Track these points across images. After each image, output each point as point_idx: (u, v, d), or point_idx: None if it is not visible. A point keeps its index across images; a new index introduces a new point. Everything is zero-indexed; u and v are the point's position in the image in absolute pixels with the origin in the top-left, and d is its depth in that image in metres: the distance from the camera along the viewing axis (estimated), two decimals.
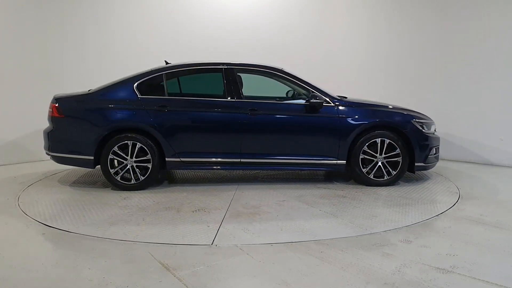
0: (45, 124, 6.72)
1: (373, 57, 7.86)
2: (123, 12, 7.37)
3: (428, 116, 5.58)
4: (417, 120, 5.21)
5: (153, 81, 5.20)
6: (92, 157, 4.99)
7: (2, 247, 3.47)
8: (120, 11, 7.35)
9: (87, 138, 4.99)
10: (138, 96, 5.07)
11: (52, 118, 5.17)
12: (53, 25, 6.75)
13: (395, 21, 7.57)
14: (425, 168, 5.32)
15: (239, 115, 5.04)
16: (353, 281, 2.85)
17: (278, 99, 5.46)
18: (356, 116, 5.13)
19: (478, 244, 3.50)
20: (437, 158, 5.47)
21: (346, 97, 5.52)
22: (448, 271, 3.00)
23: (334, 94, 5.49)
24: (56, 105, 5.14)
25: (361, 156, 5.13)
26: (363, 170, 5.17)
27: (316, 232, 3.73)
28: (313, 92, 5.14)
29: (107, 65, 7.24)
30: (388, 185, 5.20)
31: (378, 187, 5.17)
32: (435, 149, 5.36)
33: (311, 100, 5.04)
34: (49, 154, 5.25)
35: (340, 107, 5.15)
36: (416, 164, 5.17)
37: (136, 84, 5.12)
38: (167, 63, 5.50)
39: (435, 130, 5.49)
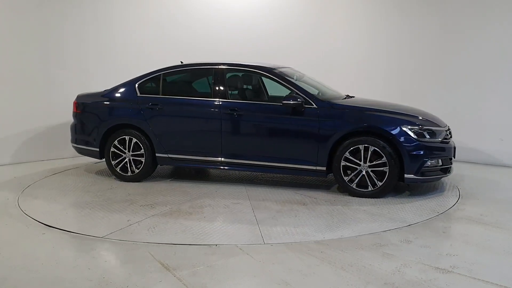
0: (45, 123, 6.80)
1: (373, 57, 7.85)
2: (123, 12, 7.35)
3: (439, 122, 4.98)
4: (410, 127, 4.59)
5: (152, 81, 5.52)
6: (98, 149, 5.49)
7: (2, 247, 3.47)
8: (121, 11, 7.34)
9: (95, 131, 5.52)
10: (138, 95, 5.42)
11: (73, 113, 5.80)
12: (53, 24, 6.73)
13: (395, 21, 7.56)
14: (421, 181, 4.72)
15: (220, 115, 5.07)
16: (353, 281, 2.85)
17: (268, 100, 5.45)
18: (339, 120, 4.73)
19: (478, 244, 3.50)
20: (444, 171, 4.78)
21: (353, 97, 5.53)
22: (448, 271, 3.00)
23: (341, 93, 5.54)
24: (75, 101, 5.78)
25: (343, 163, 4.68)
26: (345, 178, 4.70)
27: (211, 237, 3.62)
28: (296, 93, 4.87)
29: (107, 65, 7.23)
30: (373, 197, 4.64)
31: (360, 198, 4.65)
32: (441, 160, 4.70)
33: (284, 101, 4.79)
34: (73, 146, 5.85)
35: (323, 110, 4.78)
36: (406, 175, 4.55)
37: (137, 83, 5.49)
38: (182, 63, 5.62)
39: (445, 138, 4.79)
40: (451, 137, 5.01)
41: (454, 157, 4.93)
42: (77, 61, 7.01)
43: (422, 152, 4.55)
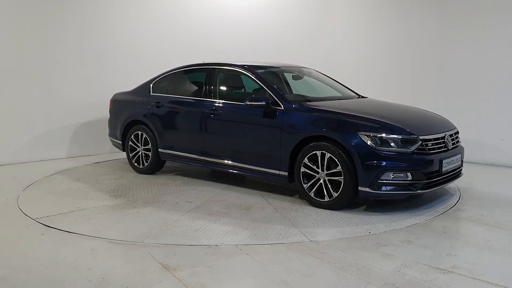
0: (45, 123, 6.80)
1: (372, 56, 7.86)
2: (122, 11, 7.36)
3: (412, 130, 4.21)
4: (367, 133, 4.09)
5: (162, 81, 5.83)
6: (120, 142, 6.08)
7: (2, 247, 3.47)
8: (120, 11, 7.34)
9: (118, 126, 6.09)
10: (150, 93, 5.82)
11: (109, 110, 6.36)
12: (52, 24, 6.73)
13: (394, 20, 7.57)
14: (379, 196, 4.12)
15: (203, 115, 5.16)
16: (353, 281, 2.85)
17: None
18: (299, 123, 4.45)
19: (478, 244, 3.50)
20: (416, 187, 4.08)
21: (366, 97, 5.53)
22: (448, 271, 3.00)
23: (351, 93, 5.58)
24: (110, 99, 6.32)
25: (302, 169, 4.40)
26: (305, 186, 4.42)
27: (110, 231, 3.77)
28: (269, 94, 4.75)
29: (106, 65, 7.24)
30: (330, 208, 4.27)
31: (311, 208, 4.36)
32: (410, 174, 4.04)
33: (247, 102, 4.68)
34: (109, 139, 6.48)
35: (287, 112, 4.54)
36: (359, 188, 4.09)
37: (152, 83, 5.89)
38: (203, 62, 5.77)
39: (420, 149, 4.12)
40: (444, 147, 4.37)
41: (440, 171, 4.23)
42: (76, 61, 7.00)
43: (382, 163, 4.01)
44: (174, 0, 7.79)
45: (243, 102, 4.79)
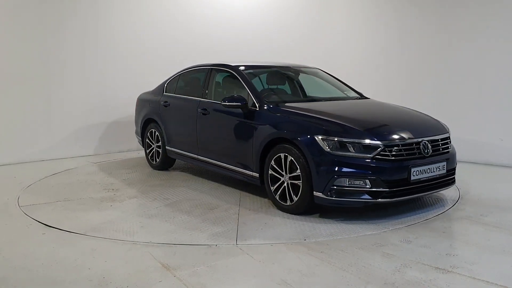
0: (44, 123, 6.79)
1: (372, 56, 7.86)
2: (123, 11, 7.36)
3: (375, 134, 3.94)
4: (322, 136, 3.91)
5: (174, 81, 6.00)
6: (141, 139, 6.39)
7: (2, 247, 3.47)
8: (120, 10, 7.34)
9: (139, 124, 6.38)
10: (163, 93, 6.02)
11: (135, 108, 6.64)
12: (52, 24, 6.73)
13: (394, 20, 7.56)
14: (332, 203, 3.90)
15: (197, 114, 5.27)
16: (353, 281, 2.85)
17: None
18: (269, 125, 4.37)
19: (478, 244, 3.50)
20: (375, 196, 3.80)
21: (368, 98, 5.50)
22: (448, 271, 3.00)
23: (352, 93, 5.57)
24: (137, 99, 6.58)
25: (270, 172, 4.30)
26: (271, 188, 4.32)
27: (70, 223, 3.95)
28: (249, 94, 4.70)
29: (106, 65, 7.24)
30: (291, 213, 4.15)
31: (281, 212, 4.23)
32: (368, 181, 3.78)
33: (222, 102, 4.66)
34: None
35: (261, 113, 4.50)
36: (314, 193, 3.91)
37: (166, 83, 6.08)
38: None
39: (380, 155, 3.83)
40: (419, 154, 4.00)
41: (409, 180, 3.89)
42: (77, 60, 7.00)
43: (337, 168, 3.80)
44: (174, 0, 7.79)
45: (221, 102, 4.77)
